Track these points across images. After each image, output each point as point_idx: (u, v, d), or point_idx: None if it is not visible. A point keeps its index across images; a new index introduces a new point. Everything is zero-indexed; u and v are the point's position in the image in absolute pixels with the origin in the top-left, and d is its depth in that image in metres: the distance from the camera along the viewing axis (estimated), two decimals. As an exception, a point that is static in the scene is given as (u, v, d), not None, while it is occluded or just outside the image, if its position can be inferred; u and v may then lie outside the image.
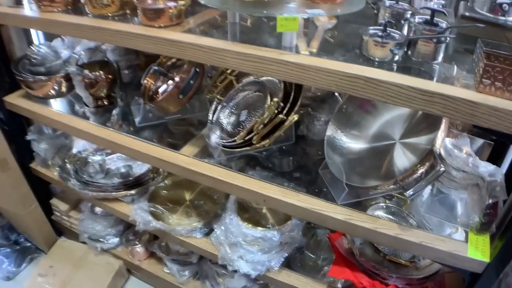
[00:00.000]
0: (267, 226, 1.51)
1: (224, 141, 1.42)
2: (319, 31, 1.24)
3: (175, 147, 1.52)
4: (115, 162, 2.02)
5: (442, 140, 1.15)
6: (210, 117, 1.52)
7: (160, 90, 1.63)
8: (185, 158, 1.43)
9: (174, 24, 1.24)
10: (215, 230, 1.59)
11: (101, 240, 2.13)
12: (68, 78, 1.76)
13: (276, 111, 1.31)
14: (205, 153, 1.49)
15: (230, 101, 1.55)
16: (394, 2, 1.23)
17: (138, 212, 1.72)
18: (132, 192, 1.82)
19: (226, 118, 1.52)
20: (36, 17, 1.46)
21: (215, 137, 1.42)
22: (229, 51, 1.05)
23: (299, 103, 1.33)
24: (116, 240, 2.14)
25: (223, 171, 1.36)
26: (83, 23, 1.33)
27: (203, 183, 1.42)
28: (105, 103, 1.80)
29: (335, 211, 1.20)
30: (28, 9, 1.54)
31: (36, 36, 2.06)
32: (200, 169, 1.38)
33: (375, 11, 1.28)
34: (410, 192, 1.10)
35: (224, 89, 1.58)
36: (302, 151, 1.57)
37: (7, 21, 1.63)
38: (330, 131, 1.40)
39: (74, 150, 2.03)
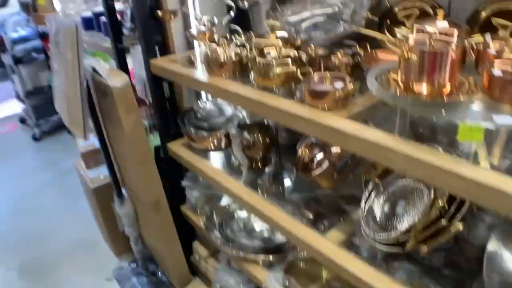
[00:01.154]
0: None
1: (373, 234, 1.29)
2: (502, 135, 1.06)
3: (321, 219, 1.46)
4: (260, 222, 2.00)
5: None
6: (362, 205, 1.41)
7: (315, 162, 1.57)
8: (327, 245, 1.34)
9: (339, 107, 1.16)
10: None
11: (232, 294, 2.12)
12: (228, 135, 1.81)
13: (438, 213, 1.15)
14: (351, 237, 1.38)
15: (387, 187, 1.42)
16: None
17: (273, 282, 1.66)
18: (271, 258, 1.78)
19: (380, 207, 1.39)
20: (203, 81, 1.53)
21: (365, 229, 1.30)
22: (395, 152, 0.93)
23: (466, 207, 1.15)
24: (245, 298, 2.11)
25: (365, 269, 1.23)
26: (246, 95, 1.34)
27: (342, 276, 1.30)
28: (259, 165, 1.80)
29: None
30: (200, 72, 1.62)
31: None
32: (340, 261, 1.27)
33: None
34: None
35: (383, 172, 1.46)
36: (457, 249, 1.36)
37: (179, 80, 1.74)
38: (492, 245, 1.17)
39: (224, 202, 2.07)
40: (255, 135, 1.72)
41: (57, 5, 4.18)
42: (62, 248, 3.16)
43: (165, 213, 2.11)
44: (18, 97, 5.63)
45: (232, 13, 1.87)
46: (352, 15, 1.65)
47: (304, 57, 1.44)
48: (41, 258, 3.09)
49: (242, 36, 1.81)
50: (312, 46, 1.54)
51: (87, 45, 3.09)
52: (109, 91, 1.77)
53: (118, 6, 2.25)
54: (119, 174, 2.31)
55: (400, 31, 1.45)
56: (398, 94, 1.00)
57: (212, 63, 1.54)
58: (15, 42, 4.77)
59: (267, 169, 1.80)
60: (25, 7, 4.71)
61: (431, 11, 1.45)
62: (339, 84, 1.20)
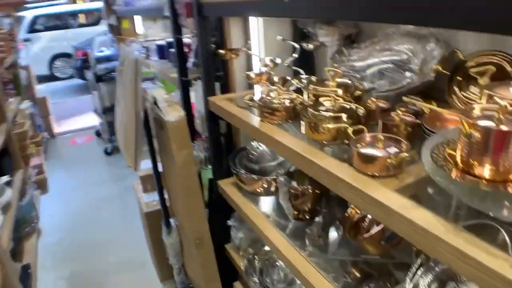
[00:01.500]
0: None
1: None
2: None
3: (367, 281, 1.39)
4: (301, 274, 1.90)
5: None
6: (407, 283, 1.27)
7: (365, 223, 1.45)
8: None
9: (390, 175, 1.05)
10: None
11: None
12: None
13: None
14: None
15: (438, 263, 1.27)
16: None
17: None
18: (308, 316, 1.66)
19: (426, 286, 1.25)
20: (252, 125, 1.48)
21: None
22: (443, 242, 0.81)
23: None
24: None
25: None
26: (291, 146, 1.27)
27: None
28: (306, 216, 1.71)
29: None
30: (251, 114, 1.58)
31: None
32: None
33: None
34: None
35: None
36: None
37: (231, 120, 1.72)
38: None
39: (267, 247, 1.99)
40: (304, 186, 1.63)
41: (140, 30, 4.38)
42: (112, 264, 3.22)
43: (208, 250, 2.06)
44: (96, 111, 5.94)
45: (295, 55, 1.82)
46: (421, 65, 1.54)
47: (361, 111, 1.34)
48: (90, 271, 3.18)
49: (303, 79, 1.75)
50: (373, 98, 1.45)
51: (158, 72, 3.19)
52: (164, 125, 1.78)
53: (187, 39, 2.29)
54: (169, 204, 2.31)
55: (469, 94, 1.32)
56: (453, 176, 0.86)
57: (264, 108, 1.48)
58: (99, 60, 5.05)
59: (315, 220, 1.70)
60: (111, 29, 4.98)
61: (509, 68, 1.30)
62: (392, 149, 1.09)
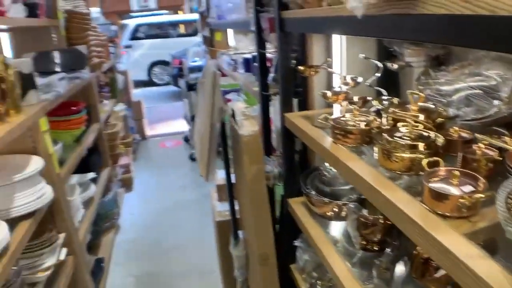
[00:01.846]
0: None
1: None
2: None
3: None
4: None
5: None
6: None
7: (433, 264, 1.33)
8: None
9: (461, 217, 0.94)
10: None
11: None
12: (347, 206, 1.66)
13: None
14: None
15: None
16: None
17: None
18: None
19: None
20: (323, 146, 1.43)
21: None
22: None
23: None
24: None
25: None
26: (360, 174, 1.19)
27: None
28: (375, 248, 1.61)
29: None
30: (323, 135, 1.53)
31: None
32: None
33: None
34: None
35: None
36: None
37: (303, 139, 1.68)
38: None
39: (332, 273, 1.91)
40: (376, 215, 1.54)
41: (231, 43, 4.50)
42: (181, 267, 3.29)
43: (271, 268, 2.02)
44: (185, 118, 6.18)
45: (377, 74, 1.74)
46: (511, 93, 1.40)
47: (440, 140, 1.23)
48: (160, 272, 3.27)
49: (384, 101, 1.67)
50: (455, 127, 1.33)
51: (242, 85, 3.23)
52: (238, 138, 1.78)
53: (270, 54, 2.29)
54: (239, 216, 2.31)
55: None
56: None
57: (337, 129, 1.43)
58: (191, 70, 5.26)
59: (385, 251, 1.60)
60: (205, 40, 5.17)
61: None
62: (467, 187, 0.99)
